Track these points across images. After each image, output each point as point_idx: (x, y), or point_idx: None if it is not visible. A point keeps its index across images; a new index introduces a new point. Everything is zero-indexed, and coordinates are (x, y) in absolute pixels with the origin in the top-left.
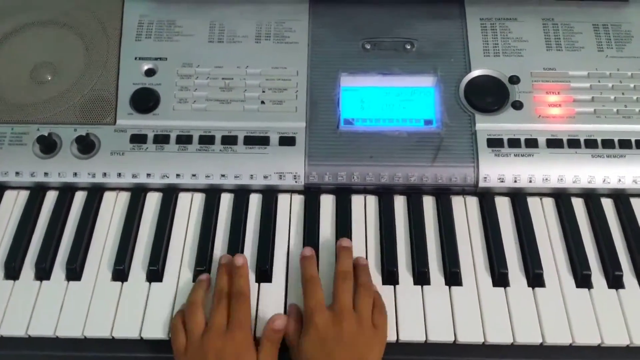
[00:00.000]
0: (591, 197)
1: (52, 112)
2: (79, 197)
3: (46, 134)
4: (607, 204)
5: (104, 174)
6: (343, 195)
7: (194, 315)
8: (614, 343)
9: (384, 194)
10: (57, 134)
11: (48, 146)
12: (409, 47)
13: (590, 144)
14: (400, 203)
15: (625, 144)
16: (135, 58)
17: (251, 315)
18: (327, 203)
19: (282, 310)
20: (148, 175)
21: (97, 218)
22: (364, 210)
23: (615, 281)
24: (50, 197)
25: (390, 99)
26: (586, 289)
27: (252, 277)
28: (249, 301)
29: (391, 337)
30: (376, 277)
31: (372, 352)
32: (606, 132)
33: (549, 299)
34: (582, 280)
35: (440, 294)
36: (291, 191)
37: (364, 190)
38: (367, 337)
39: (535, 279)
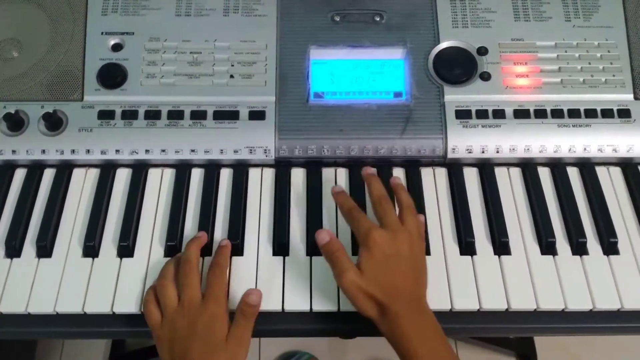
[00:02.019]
0: (557, 166)
1: (18, 89)
2: (48, 175)
3: (13, 112)
4: (573, 173)
5: (73, 151)
6: (314, 168)
7: (165, 289)
8: (578, 308)
9: (354, 167)
10: (24, 111)
11: (15, 124)
12: (378, 19)
13: (557, 113)
14: None
15: (591, 113)
16: (102, 33)
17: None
18: (298, 176)
19: (254, 284)
20: (117, 151)
21: (66, 195)
22: (335, 183)
23: (579, 248)
24: (19, 175)
25: (360, 72)
26: (550, 256)
27: None
28: (225, 273)
29: None
30: (347, 249)
31: (425, 266)
32: (572, 102)
33: (514, 267)
34: (547, 247)
35: None
36: (262, 165)
37: (335, 163)
38: (421, 252)
39: (501, 247)
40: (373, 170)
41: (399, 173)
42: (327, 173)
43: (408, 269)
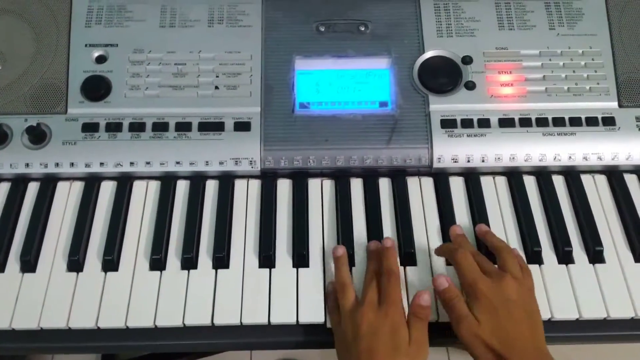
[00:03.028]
0: (542, 175)
1: (1, 102)
2: (32, 188)
3: None
4: (558, 181)
5: (57, 164)
6: (300, 179)
7: (346, 292)
8: (564, 317)
9: (341, 177)
10: (7, 124)
11: None
12: (363, 29)
13: (542, 122)
14: (357, 185)
15: (575, 121)
16: (86, 45)
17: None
18: (284, 188)
19: (239, 297)
20: (101, 164)
21: (50, 208)
22: (321, 194)
23: (565, 256)
24: (3, 189)
25: (346, 82)
26: (537, 265)
27: (209, 263)
28: (399, 280)
29: None
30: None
31: (537, 312)
32: (557, 110)
33: None
34: (533, 256)
35: None
36: (248, 176)
37: (321, 174)
38: (529, 296)
39: (488, 256)
40: (461, 230)
41: (385, 183)
42: (313, 184)
43: (521, 316)
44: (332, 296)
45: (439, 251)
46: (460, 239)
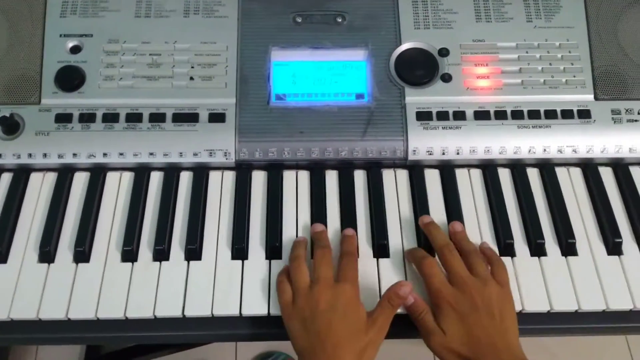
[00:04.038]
0: (517, 167)
1: None
2: (5, 179)
3: None
4: (533, 174)
5: (30, 155)
6: (275, 171)
7: (299, 268)
8: (535, 309)
9: (316, 169)
10: None
11: None
12: (340, 20)
13: (517, 114)
14: (332, 177)
15: (550, 114)
16: (60, 35)
17: None
18: (259, 179)
19: (211, 288)
20: (74, 155)
21: (23, 199)
22: (296, 186)
23: (537, 249)
24: None
25: (322, 74)
26: (509, 257)
27: (181, 255)
28: (357, 261)
29: None
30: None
31: (507, 310)
32: (532, 103)
33: None
34: (505, 248)
35: (367, 264)
36: (222, 168)
37: (296, 166)
38: (497, 296)
39: None
40: (430, 218)
41: (360, 175)
42: (288, 176)
43: (487, 320)
44: (281, 271)
45: (407, 256)
46: (430, 228)
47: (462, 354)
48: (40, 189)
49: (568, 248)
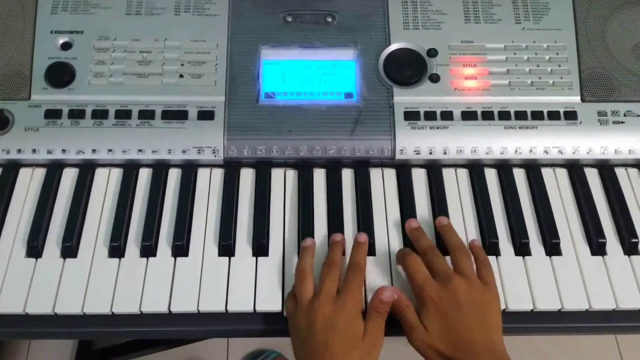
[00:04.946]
0: (503, 168)
1: None
2: None
3: None
4: (519, 174)
5: (19, 151)
6: (263, 169)
7: (303, 281)
8: (518, 308)
9: (304, 168)
10: None
11: None
12: (330, 19)
13: (504, 115)
14: (319, 176)
15: (537, 115)
16: (51, 31)
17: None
18: (247, 177)
19: (197, 285)
20: (63, 151)
21: (12, 195)
22: (284, 184)
23: (522, 249)
24: None
25: (312, 73)
26: (494, 257)
27: (168, 251)
28: (364, 276)
29: None
30: (293, 249)
31: (491, 309)
32: (519, 104)
33: None
34: (490, 247)
35: None
36: (211, 165)
37: (284, 164)
38: (481, 295)
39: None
40: (417, 223)
41: (348, 174)
42: (276, 174)
43: (471, 319)
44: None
45: (396, 259)
46: (416, 233)
47: (443, 351)
48: (29, 184)
49: (552, 248)
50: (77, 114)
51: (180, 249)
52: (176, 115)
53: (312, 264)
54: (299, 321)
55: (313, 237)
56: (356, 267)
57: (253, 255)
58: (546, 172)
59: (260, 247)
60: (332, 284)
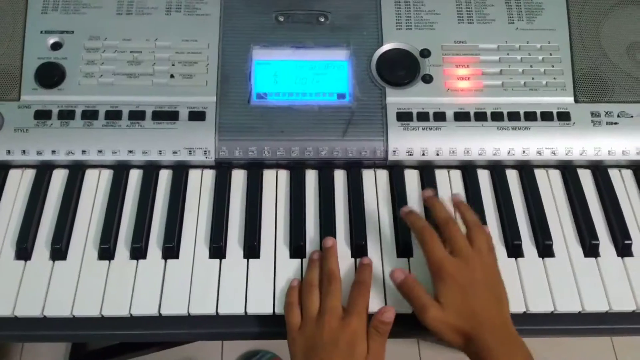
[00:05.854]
0: (496, 169)
1: None
2: None
3: None
4: (512, 175)
5: (8, 152)
6: (254, 170)
7: (311, 294)
8: (512, 310)
9: (296, 169)
10: None
11: None
12: (322, 19)
13: (497, 116)
14: (312, 177)
15: (530, 116)
16: (41, 31)
17: None
18: (239, 178)
19: (188, 288)
20: (53, 152)
21: (1, 196)
22: (275, 185)
23: (514, 250)
24: None
25: (304, 73)
26: None
27: (159, 253)
28: (369, 292)
29: None
30: (284, 251)
31: (502, 284)
32: (512, 105)
33: None
34: None
35: (345, 264)
36: (202, 167)
37: (276, 165)
38: (495, 270)
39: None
40: (432, 191)
41: (340, 175)
42: (268, 175)
43: (487, 295)
44: (292, 292)
45: (408, 216)
46: (432, 201)
47: (459, 327)
48: (18, 185)
49: (545, 249)
50: (67, 115)
51: (171, 251)
52: (167, 115)
53: (318, 277)
54: (305, 334)
55: (305, 239)
56: (362, 284)
57: (244, 257)
58: (539, 173)
59: (251, 249)
60: (337, 299)
